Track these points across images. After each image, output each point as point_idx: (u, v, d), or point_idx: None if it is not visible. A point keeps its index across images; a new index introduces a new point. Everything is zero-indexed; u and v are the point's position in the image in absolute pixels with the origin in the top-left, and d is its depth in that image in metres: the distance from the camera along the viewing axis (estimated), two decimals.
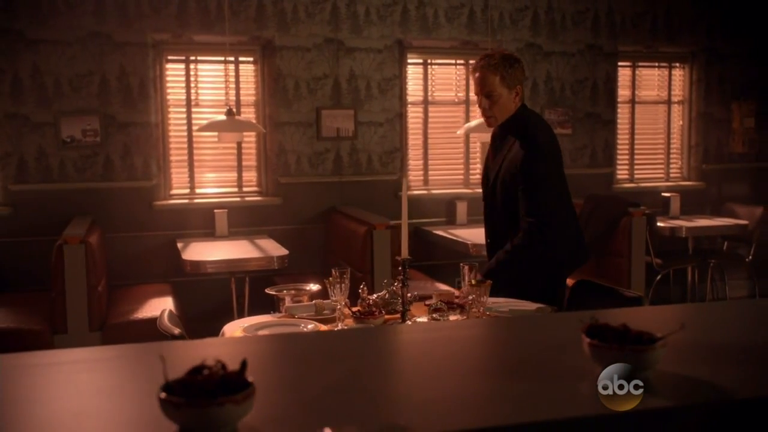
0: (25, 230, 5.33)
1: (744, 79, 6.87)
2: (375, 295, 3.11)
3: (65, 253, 4.41)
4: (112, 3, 5.42)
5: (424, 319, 2.85)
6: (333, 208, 5.89)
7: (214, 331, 3.02)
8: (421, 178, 6.26)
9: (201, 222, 5.66)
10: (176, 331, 2.63)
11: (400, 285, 2.90)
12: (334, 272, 2.96)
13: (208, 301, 5.46)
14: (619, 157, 6.67)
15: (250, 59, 5.83)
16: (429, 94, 6.24)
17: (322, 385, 1.15)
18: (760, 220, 6.42)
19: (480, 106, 3.23)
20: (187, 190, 5.76)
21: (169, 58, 5.70)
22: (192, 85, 5.74)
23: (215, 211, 5.62)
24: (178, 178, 5.77)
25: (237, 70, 5.80)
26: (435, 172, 6.27)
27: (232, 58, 5.75)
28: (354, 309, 2.93)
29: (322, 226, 5.89)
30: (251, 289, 4.95)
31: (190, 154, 5.75)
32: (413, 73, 6.19)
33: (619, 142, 6.64)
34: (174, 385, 1.01)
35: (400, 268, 2.93)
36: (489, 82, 3.13)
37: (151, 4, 5.49)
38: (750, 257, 6.41)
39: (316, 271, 5.72)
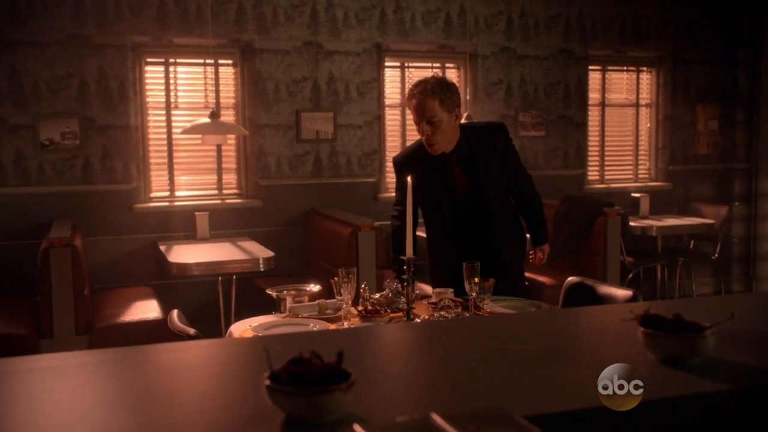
0: (3, 235, 5.27)
1: (708, 83, 7.11)
2: (378, 294, 3.18)
3: (51, 256, 4.38)
4: (90, 5, 5.38)
5: (425, 317, 2.94)
6: (313, 210, 5.93)
7: (205, 332, 3.03)
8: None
9: (182, 224, 5.65)
10: (191, 331, 2.66)
11: (406, 284, 2.98)
12: (340, 272, 3.02)
13: (193, 303, 5.45)
14: (590, 158, 6.84)
15: (230, 62, 5.84)
16: (406, 96, 6.30)
17: (405, 375, 1.21)
18: (725, 219, 6.66)
19: (421, 134, 3.23)
20: (167, 193, 5.75)
21: (149, 60, 5.68)
22: (171, 87, 5.73)
23: (196, 213, 5.61)
24: (158, 180, 5.75)
25: (216, 73, 5.81)
26: None
27: (211, 61, 5.76)
28: (359, 308, 3.00)
29: (303, 228, 5.93)
30: (229, 290, 4.98)
31: (170, 156, 5.74)
32: (391, 76, 6.27)
33: (590, 144, 6.82)
34: (279, 374, 1.07)
35: (404, 268, 3.01)
36: (429, 107, 3.16)
37: (131, 7, 5.47)
38: (716, 255, 6.64)
39: (297, 273, 5.76)
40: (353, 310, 2.99)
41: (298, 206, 5.94)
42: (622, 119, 7.04)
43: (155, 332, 4.53)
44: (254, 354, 1.41)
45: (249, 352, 1.47)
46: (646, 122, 7.07)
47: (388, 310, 3.01)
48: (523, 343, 1.48)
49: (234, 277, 4.89)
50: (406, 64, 6.32)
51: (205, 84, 5.83)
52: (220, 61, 5.79)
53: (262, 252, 5.05)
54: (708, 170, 7.16)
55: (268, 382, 1.07)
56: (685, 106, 7.04)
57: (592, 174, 6.89)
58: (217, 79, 5.82)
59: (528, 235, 3.64)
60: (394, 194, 6.12)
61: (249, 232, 5.75)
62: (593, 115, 6.84)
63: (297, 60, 5.87)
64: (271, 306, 5.05)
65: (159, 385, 1.26)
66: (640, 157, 7.08)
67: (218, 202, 5.83)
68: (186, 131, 5.05)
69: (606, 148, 6.94)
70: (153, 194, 5.72)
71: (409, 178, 3.05)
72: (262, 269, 4.88)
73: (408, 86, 6.25)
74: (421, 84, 3.24)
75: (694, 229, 6.54)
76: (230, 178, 5.94)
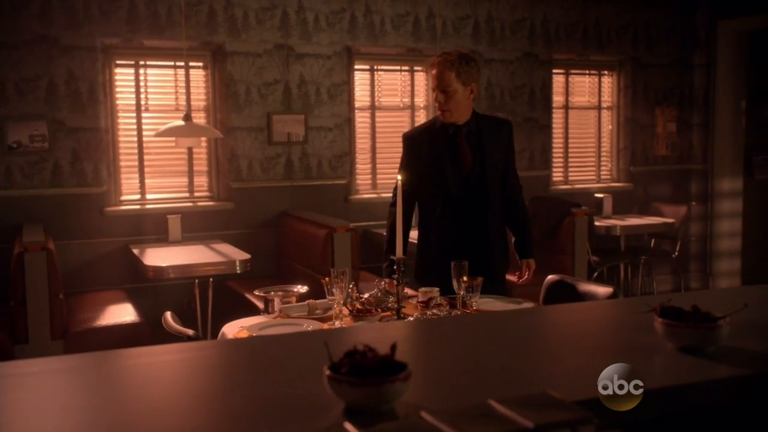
0: None
1: (665, 86, 7.33)
2: (367, 294, 3.24)
3: (26, 261, 4.33)
4: (59, 6, 5.33)
5: (417, 315, 3.01)
6: (285, 212, 5.95)
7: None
8: (369, 181, 6.40)
9: (153, 227, 5.63)
10: (190, 332, 2.68)
11: (396, 283, 3.05)
12: (332, 272, 3.07)
13: (166, 306, 5.39)
14: (554, 160, 7.00)
15: (200, 64, 5.84)
16: (376, 99, 6.38)
17: (446, 366, 1.27)
18: (684, 218, 6.88)
19: (436, 101, 3.40)
20: (138, 196, 5.71)
21: (118, 62, 5.64)
22: (142, 90, 5.70)
23: (168, 216, 5.59)
24: (128, 183, 5.71)
25: (187, 75, 5.80)
26: (382, 175, 6.42)
27: (182, 63, 5.74)
28: (350, 307, 3.05)
29: (275, 230, 5.95)
30: (204, 293, 4.98)
31: (141, 159, 5.71)
32: (360, 79, 6.33)
33: (554, 145, 6.97)
34: (340, 366, 1.12)
35: (395, 267, 3.07)
36: (445, 77, 3.33)
37: (101, 8, 5.43)
38: (676, 253, 6.85)
39: (270, 275, 5.79)
40: (345, 310, 3.04)
41: (270, 209, 5.96)
42: (585, 121, 7.22)
43: (133, 336, 4.53)
44: (288, 351, 1.45)
45: (284, 350, 1.52)
46: (608, 124, 7.26)
47: (379, 309, 3.07)
48: (549, 335, 1.55)
49: (211, 279, 4.89)
50: (375, 67, 6.38)
51: (176, 86, 5.82)
52: (191, 64, 5.78)
53: (237, 254, 5.06)
54: (667, 171, 7.38)
55: (329, 373, 1.13)
56: (644, 109, 7.25)
57: (557, 175, 7.05)
58: (187, 81, 5.80)
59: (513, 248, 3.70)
60: (365, 196, 6.29)
61: (221, 235, 5.75)
62: (557, 118, 7.00)
63: (268, 63, 5.89)
64: (247, 308, 5.09)
65: (211, 380, 1.30)
66: (602, 159, 7.27)
67: (190, 204, 5.81)
68: (160, 134, 5.03)
69: (570, 150, 7.11)
70: (123, 197, 5.68)
71: (399, 179, 3.11)
72: (238, 271, 4.89)
73: (377, 89, 6.36)
74: (443, 55, 3.40)
75: (655, 228, 6.74)
76: (201, 181, 5.93)
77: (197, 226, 5.73)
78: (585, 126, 7.22)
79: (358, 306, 3.09)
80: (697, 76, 7.39)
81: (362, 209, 6.21)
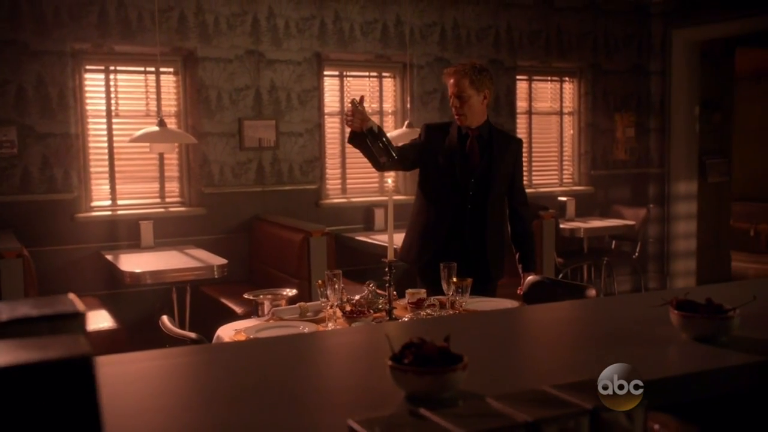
0: None
1: (624, 92, 7.56)
2: (358, 296, 3.31)
3: (2, 268, 4.29)
4: (28, 10, 5.28)
5: (411, 316, 3.09)
6: (257, 217, 5.98)
7: (161, 340, 3.02)
8: (339, 186, 6.47)
9: (125, 233, 5.60)
10: (193, 335, 2.71)
11: (387, 285, 3.13)
12: (327, 274, 3.14)
13: (142, 312, 5.42)
14: None
15: (171, 70, 5.83)
16: (345, 105, 6.45)
17: (492, 357, 1.36)
18: (644, 220, 7.11)
19: (452, 106, 3.66)
20: (109, 202, 5.68)
21: (88, 67, 5.60)
22: (112, 95, 5.68)
23: (141, 222, 5.58)
24: (99, 189, 5.68)
25: (158, 81, 5.78)
26: (352, 180, 6.50)
27: (152, 69, 5.74)
28: (342, 309, 3.12)
29: (247, 235, 5.97)
30: (181, 298, 4.99)
31: (111, 165, 5.68)
32: (330, 84, 6.40)
33: None
34: (402, 357, 1.20)
35: (386, 269, 3.15)
36: (460, 84, 3.59)
37: (70, 13, 5.39)
38: (636, 254, 7.07)
39: (243, 279, 5.81)
40: (338, 311, 3.10)
41: (242, 213, 5.98)
42: (547, 127, 7.40)
43: (112, 342, 4.51)
44: (330, 346, 1.52)
45: (326, 345, 1.59)
46: (570, 129, 7.46)
47: (371, 311, 3.14)
48: (573, 327, 1.65)
49: (188, 285, 4.90)
50: (344, 73, 6.45)
51: (146, 92, 5.80)
52: (162, 69, 5.77)
53: (214, 259, 5.08)
54: (626, 175, 7.62)
55: (392, 363, 1.20)
56: (604, 115, 7.47)
57: None
58: (158, 87, 5.79)
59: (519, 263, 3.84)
60: (336, 201, 6.35)
61: (193, 240, 5.75)
62: (521, 123, 7.17)
63: (239, 68, 5.92)
64: (224, 313, 5.11)
65: (274, 374, 1.36)
66: (564, 163, 7.46)
67: (161, 210, 5.80)
68: (134, 139, 5.02)
69: (533, 154, 7.28)
70: (94, 203, 5.64)
71: (390, 182, 3.19)
72: (216, 276, 4.91)
73: (347, 95, 6.43)
74: (459, 65, 3.67)
75: (617, 230, 6.95)
76: (173, 187, 5.92)
77: (169, 231, 5.72)
78: (547, 131, 7.40)
79: (349, 308, 3.16)
80: (653, 83, 7.64)
81: (333, 214, 6.27)
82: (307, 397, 1.22)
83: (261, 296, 3.44)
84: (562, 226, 6.55)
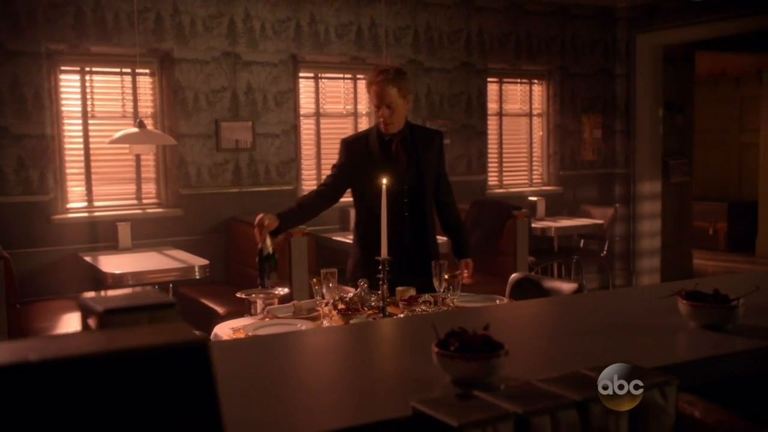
0: None
1: (591, 94, 7.75)
2: (351, 294, 3.38)
3: None
4: (2, 11, 5.23)
5: (407, 312, 3.17)
6: (233, 218, 6.00)
7: None
8: (315, 187, 6.48)
9: (102, 235, 5.58)
10: (196, 332, 2.74)
11: (381, 282, 3.20)
12: (322, 273, 3.20)
13: None
14: (490, 164, 7.29)
15: (147, 71, 5.83)
16: (320, 106, 6.52)
17: (523, 346, 1.44)
18: (612, 219, 7.29)
19: (380, 116, 3.55)
20: (85, 204, 5.66)
21: (63, 68, 5.57)
22: (88, 96, 5.65)
23: (118, 223, 5.56)
24: (75, 191, 5.65)
25: (134, 82, 5.78)
26: None
27: (129, 70, 5.73)
28: (339, 306, 3.18)
29: (224, 236, 5.99)
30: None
31: (87, 166, 5.65)
32: (305, 86, 6.45)
33: (489, 151, 7.27)
34: (449, 344, 1.28)
35: (380, 267, 3.22)
36: (388, 93, 3.50)
37: (46, 14, 5.36)
38: (604, 252, 7.26)
39: (221, 280, 5.83)
40: (333, 310, 3.16)
41: (219, 214, 6.00)
42: (517, 128, 7.55)
43: None
44: (368, 337, 1.60)
45: (362, 336, 1.66)
46: (539, 131, 7.62)
47: (365, 308, 3.21)
48: (591, 318, 1.75)
49: (171, 285, 4.91)
50: (320, 75, 6.51)
51: (123, 93, 5.79)
52: (138, 70, 5.76)
53: (195, 260, 5.09)
54: (593, 175, 7.80)
55: (438, 350, 1.28)
56: (572, 116, 7.65)
57: (492, 179, 7.35)
58: (134, 88, 5.78)
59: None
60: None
61: (171, 242, 5.75)
62: (492, 124, 7.30)
63: (215, 70, 5.94)
64: (204, 313, 5.12)
65: (325, 362, 1.42)
66: (534, 163, 7.61)
67: (139, 211, 5.79)
68: (114, 141, 5.01)
69: (504, 155, 7.42)
70: (70, 205, 5.61)
71: (385, 182, 3.25)
72: (197, 277, 4.93)
73: (322, 97, 6.49)
74: (383, 73, 3.54)
75: (586, 229, 7.13)
76: (149, 188, 5.91)
77: (147, 233, 5.71)
78: (517, 132, 7.55)
79: (342, 306, 3.23)
80: (619, 86, 7.84)
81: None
82: (362, 384, 1.29)
83: (253, 295, 3.49)
84: (533, 225, 6.70)
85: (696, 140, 8.72)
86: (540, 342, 1.55)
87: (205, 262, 5.01)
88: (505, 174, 7.45)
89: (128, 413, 0.76)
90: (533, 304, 2.39)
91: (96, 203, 5.69)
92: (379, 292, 3.27)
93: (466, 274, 3.80)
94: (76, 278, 5.37)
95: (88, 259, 5.19)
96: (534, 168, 7.62)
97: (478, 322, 1.41)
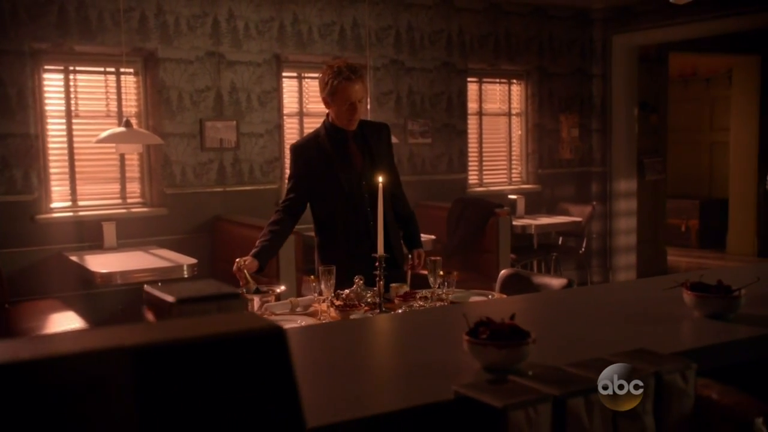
0: None
1: (568, 94, 7.88)
2: (348, 290, 3.43)
3: None
4: None
5: (405, 308, 3.23)
6: (218, 217, 6.02)
7: None
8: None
9: (87, 234, 5.57)
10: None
11: (378, 279, 3.26)
12: (320, 269, 3.25)
13: (107, 312, 5.40)
14: (470, 163, 7.39)
15: (131, 70, 5.82)
16: (304, 106, 6.56)
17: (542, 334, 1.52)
18: (589, 216, 7.43)
19: (356, 112, 3.53)
20: (69, 203, 5.64)
21: (47, 67, 5.55)
22: (72, 95, 5.64)
23: (103, 223, 5.55)
24: (58, 190, 5.63)
25: (118, 82, 5.77)
26: None
27: (113, 69, 5.72)
28: (337, 303, 3.24)
29: (209, 235, 6.01)
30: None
31: (71, 166, 5.64)
32: (289, 86, 6.49)
33: (469, 150, 7.36)
34: (479, 333, 1.35)
35: (376, 264, 3.28)
36: (358, 90, 3.50)
37: (29, 13, 5.33)
38: (582, 249, 7.39)
39: (206, 278, 5.84)
40: (330, 306, 3.22)
41: (204, 214, 6.02)
42: (497, 127, 7.66)
43: None
44: (394, 329, 1.66)
45: (389, 328, 1.72)
46: (518, 130, 7.73)
47: (362, 304, 3.27)
48: (600, 309, 1.83)
49: (159, 284, 4.91)
50: (303, 75, 6.55)
51: (107, 92, 5.78)
52: (122, 70, 5.76)
53: (183, 259, 5.11)
54: (571, 173, 7.94)
55: (470, 338, 1.35)
56: (550, 116, 7.77)
57: (473, 178, 7.45)
58: (119, 87, 5.78)
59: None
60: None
61: (156, 241, 5.75)
62: (472, 124, 7.40)
63: (200, 69, 5.95)
64: None
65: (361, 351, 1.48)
66: (513, 162, 7.72)
67: (123, 211, 5.79)
68: (101, 140, 5.00)
69: (484, 154, 7.52)
70: (54, 204, 5.59)
71: (380, 180, 3.30)
72: (186, 275, 4.94)
73: (305, 96, 6.53)
74: (357, 71, 3.53)
75: (565, 227, 7.26)
76: (134, 187, 5.91)
77: (131, 232, 5.71)
78: (497, 131, 7.66)
79: (338, 302, 3.28)
80: (595, 86, 7.99)
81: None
82: (398, 372, 1.35)
83: (250, 293, 3.52)
84: (513, 223, 6.79)
85: (669, 139, 8.91)
86: (556, 331, 1.63)
87: (193, 261, 5.03)
88: (485, 172, 7.56)
89: (220, 395, 0.82)
90: (539, 296, 2.47)
91: (80, 203, 5.68)
92: (375, 288, 3.35)
93: (416, 263, 3.81)
94: (62, 278, 5.37)
95: (74, 258, 5.18)
96: (513, 166, 7.73)
97: (491, 314, 1.48)
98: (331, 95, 3.53)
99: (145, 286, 1.12)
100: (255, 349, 0.85)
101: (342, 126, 3.58)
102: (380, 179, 3.32)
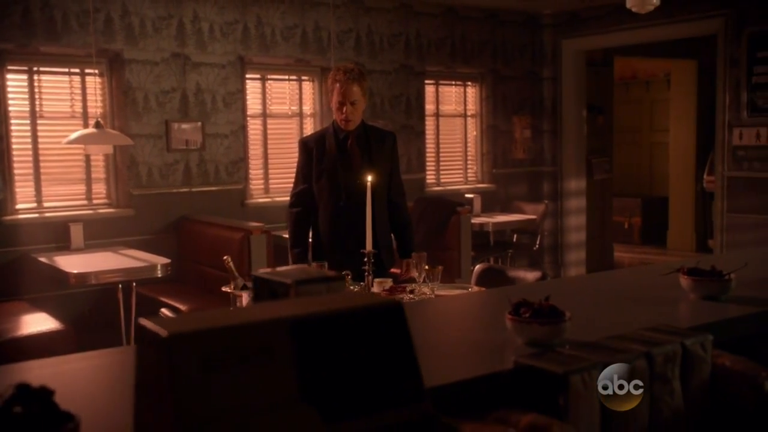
0: None
1: (520, 96, 8.15)
2: None
3: None
4: None
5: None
6: (184, 218, 6.06)
7: (107, 340, 3.05)
8: (263, 186, 6.64)
9: (53, 236, 5.55)
10: None
11: (366, 274, 3.40)
12: (313, 265, 3.38)
13: (78, 313, 5.39)
14: (428, 163, 7.58)
15: (96, 71, 5.82)
16: (267, 107, 6.64)
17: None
18: (543, 214, 7.71)
19: (344, 113, 3.75)
20: (34, 204, 5.61)
21: (10, 68, 5.51)
22: (36, 96, 5.61)
23: (70, 224, 5.54)
24: (22, 192, 5.60)
25: (83, 83, 5.77)
26: (274, 180, 6.68)
27: (77, 70, 5.71)
28: None
29: (175, 235, 6.04)
30: (127, 298, 5.04)
31: (36, 167, 5.61)
32: (252, 87, 6.56)
33: (427, 150, 7.55)
34: (518, 312, 1.51)
35: (365, 259, 3.42)
36: (354, 91, 3.73)
37: None
38: (536, 246, 7.66)
39: (174, 279, 5.87)
40: None
41: (170, 214, 6.05)
42: (453, 128, 7.87)
43: (61, 343, 4.51)
44: (437, 312, 1.81)
45: (433, 311, 1.87)
46: (473, 131, 7.96)
47: None
48: (606, 293, 2.02)
49: (134, 284, 4.95)
50: (266, 77, 6.64)
51: (71, 93, 5.77)
52: (88, 71, 5.75)
53: (155, 258, 5.15)
54: (524, 173, 8.21)
55: (512, 317, 1.51)
56: (503, 117, 8.03)
57: (430, 177, 7.64)
58: (84, 88, 5.77)
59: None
60: (260, 200, 6.52)
61: (123, 241, 5.76)
62: (429, 125, 7.59)
63: (165, 71, 5.98)
64: (156, 311, 5.17)
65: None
66: (468, 162, 7.95)
67: (89, 212, 5.78)
68: (71, 141, 5.01)
69: (441, 154, 7.73)
70: (19, 206, 5.55)
71: (369, 178, 3.45)
72: (159, 275, 4.99)
73: (269, 98, 6.62)
74: (348, 72, 3.76)
75: (520, 225, 7.51)
76: (99, 188, 5.91)
77: (98, 233, 5.71)
78: (453, 132, 7.87)
79: None
80: (546, 88, 8.28)
81: (257, 213, 6.43)
82: (452, 348, 1.51)
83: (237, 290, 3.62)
84: (471, 221, 7.01)
85: (613, 139, 9.28)
86: (574, 313, 1.80)
87: (166, 260, 5.07)
88: (442, 172, 7.76)
89: (359, 358, 0.95)
90: (547, 284, 2.64)
91: (46, 204, 5.65)
92: (362, 283, 3.49)
93: (403, 273, 3.98)
94: (30, 279, 5.35)
95: (43, 259, 5.17)
96: (469, 166, 7.96)
97: (524, 295, 1.63)
98: (329, 93, 3.84)
99: (253, 271, 1.24)
100: (383, 319, 0.99)
101: (339, 124, 3.80)
102: (369, 178, 3.47)
